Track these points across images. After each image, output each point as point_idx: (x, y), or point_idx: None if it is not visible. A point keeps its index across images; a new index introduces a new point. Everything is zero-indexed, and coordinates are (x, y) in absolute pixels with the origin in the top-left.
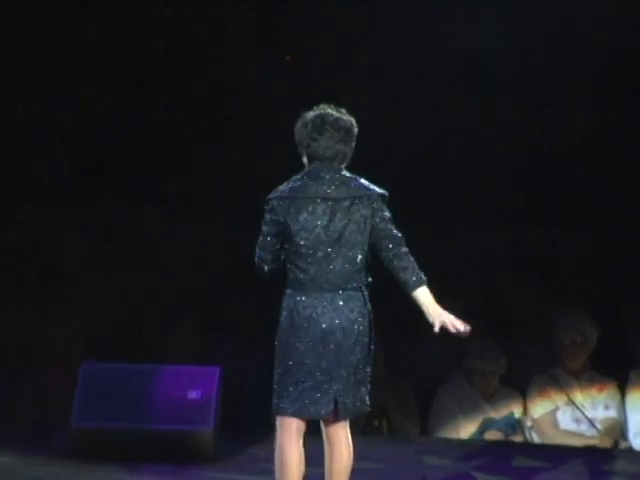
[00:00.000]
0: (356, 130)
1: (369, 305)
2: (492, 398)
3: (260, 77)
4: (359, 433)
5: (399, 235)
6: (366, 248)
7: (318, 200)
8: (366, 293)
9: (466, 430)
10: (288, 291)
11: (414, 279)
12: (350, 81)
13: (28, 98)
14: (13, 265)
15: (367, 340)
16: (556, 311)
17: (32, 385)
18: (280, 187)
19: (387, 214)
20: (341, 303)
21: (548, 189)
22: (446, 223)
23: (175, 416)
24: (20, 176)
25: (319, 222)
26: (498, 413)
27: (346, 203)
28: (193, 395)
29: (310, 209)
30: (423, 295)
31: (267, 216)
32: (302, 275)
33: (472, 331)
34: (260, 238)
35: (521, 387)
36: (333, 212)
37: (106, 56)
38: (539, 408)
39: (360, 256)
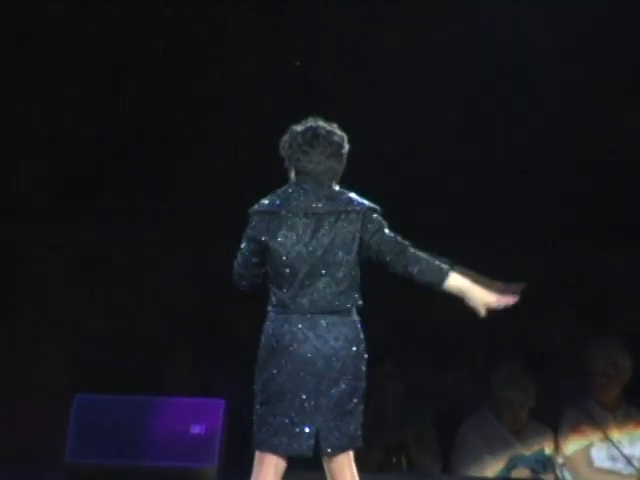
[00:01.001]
0: (347, 147)
1: (360, 331)
2: (521, 433)
3: (262, 78)
4: (376, 470)
5: (400, 239)
6: (355, 268)
7: (301, 214)
8: (356, 317)
9: (492, 467)
10: (269, 314)
11: (438, 275)
12: (354, 85)
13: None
14: None
15: (355, 369)
16: (588, 339)
17: (15, 419)
18: (263, 200)
19: (382, 223)
20: (324, 329)
21: (581, 208)
22: (473, 246)
23: (177, 452)
24: None
25: (300, 238)
26: (527, 449)
27: (332, 218)
28: (196, 429)
29: (290, 224)
30: (455, 282)
31: (248, 231)
32: (282, 296)
33: (500, 358)
34: (238, 253)
35: (552, 422)
36: (317, 228)
37: (105, 56)
38: (572, 444)
39: (347, 276)
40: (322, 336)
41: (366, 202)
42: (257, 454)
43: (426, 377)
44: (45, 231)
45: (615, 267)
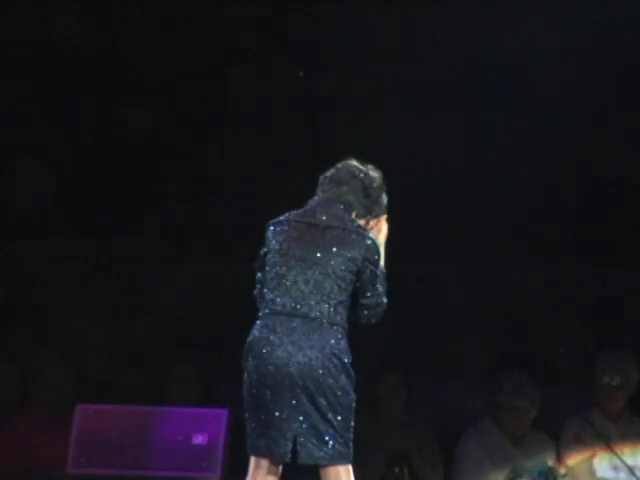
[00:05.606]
0: (375, 187)
1: (343, 345)
2: (522, 444)
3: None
4: None
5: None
6: (347, 287)
7: (304, 224)
8: (338, 330)
9: (494, 478)
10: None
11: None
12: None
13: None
14: None
15: (335, 382)
16: (595, 351)
17: (19, 433)
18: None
19: (378, 270)
20: (302, 335)
21: (581, 223)
22: (477, 260)
23: (179, 462)
24: None
25: (298, 242)
26: (529, 460)
27: (335, 233)
28: (199, 439)
29: (292, 229)
30: None
31: (259, 256)
32: (270, 296)
33: (501, 369)
34: (256, 283)
35: (554, 433)
36: (317, 236)
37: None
38: (574, 455)
39: (337, 290)
40: (297, 343)
41: (372, 235)
42: (251, 458)
43: (428, 388)
44: (46, 245)
45: (615, 280)
